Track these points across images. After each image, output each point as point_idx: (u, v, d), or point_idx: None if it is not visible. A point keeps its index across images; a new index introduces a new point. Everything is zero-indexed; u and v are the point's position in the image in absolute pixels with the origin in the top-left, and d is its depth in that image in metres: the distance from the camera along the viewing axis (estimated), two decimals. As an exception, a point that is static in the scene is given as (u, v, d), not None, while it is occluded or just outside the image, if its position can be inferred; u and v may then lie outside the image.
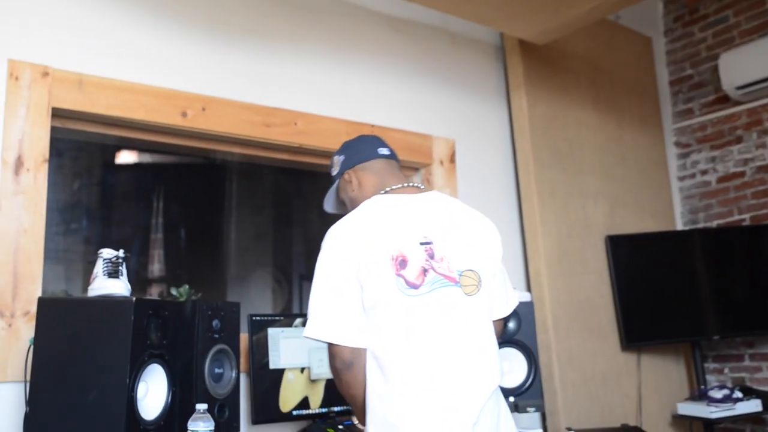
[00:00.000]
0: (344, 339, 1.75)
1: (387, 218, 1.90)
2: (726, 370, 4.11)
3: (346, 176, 2.13)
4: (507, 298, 2.03)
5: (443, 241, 1.88)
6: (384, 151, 2.14)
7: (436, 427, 1.70)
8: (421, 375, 1.74)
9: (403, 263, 1.80)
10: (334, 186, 2.22)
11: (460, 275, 1.85)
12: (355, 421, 1.89)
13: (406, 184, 2.04)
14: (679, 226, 4.37)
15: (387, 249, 1.81)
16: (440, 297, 1.81)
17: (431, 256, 1.84)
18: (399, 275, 1.79)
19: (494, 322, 1.94)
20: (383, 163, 2.12)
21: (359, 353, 1.77)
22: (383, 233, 1.85)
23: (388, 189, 2.02)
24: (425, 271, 1.81)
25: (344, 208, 2.25)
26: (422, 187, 2.07)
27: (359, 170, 2.11)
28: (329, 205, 2.32)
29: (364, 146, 2.16)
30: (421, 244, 1.85)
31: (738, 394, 3.62)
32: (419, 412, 1.71)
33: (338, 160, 2.18)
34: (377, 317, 1.77)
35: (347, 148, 2.19)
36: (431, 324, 1.78)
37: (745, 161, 4.11)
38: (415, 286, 1.79)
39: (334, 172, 2.20)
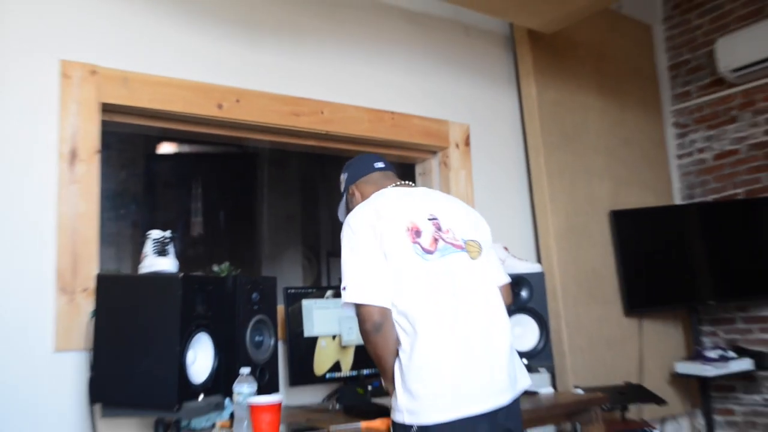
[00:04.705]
0: (377, 300, 1.84)
1: (397, 200, 2.04)
2: (720, 333, 4.14)
3: (350, 190, 2.26)
4: (501, 269, 2.13)
5: (446, 217, 2.03)
6: (379, 164, 2.28)
7: (462, 372, 1.80)
8: (444, 325, 1.84)
9: (417, 233, 1.94)
10: (343, 200, 2.34)
11: (465, 243, 2.00)
12: (383, 383, 1.96)
13: (403, 182, 2.19)
14: (678, 201, 4.39)
15: (402, 222, 1.94)
16: (451, 261, 1.94)
17: (438, 228, 1.98)
18: (416, 242, 1.92)
19: (500, 288, 2.05)
20: (380, 174, 2.26)
21: (387, 316, 1.86)
22: (396, 210, 1.98)
23: (389, 186, 2.17)
24: (436, 240, 1.95)
25: None
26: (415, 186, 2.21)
27: (360, 183, 2.24)
28: (342, 216, 2.41)
29: (361, 163, 2.31)
30: (429, 219, 1.99)
31: (731, 354, 3.65)
32: (445, 357, 1.81)
33: (343, 178, 2.32)
34: (401, 279, 1.87)
35: (349, 166, 2.33)
36: (447, 283, 1.90)
37: (740, 139, 4.11)
38: (430, 252, 1.92)
39: (342, 188, 2.33)
